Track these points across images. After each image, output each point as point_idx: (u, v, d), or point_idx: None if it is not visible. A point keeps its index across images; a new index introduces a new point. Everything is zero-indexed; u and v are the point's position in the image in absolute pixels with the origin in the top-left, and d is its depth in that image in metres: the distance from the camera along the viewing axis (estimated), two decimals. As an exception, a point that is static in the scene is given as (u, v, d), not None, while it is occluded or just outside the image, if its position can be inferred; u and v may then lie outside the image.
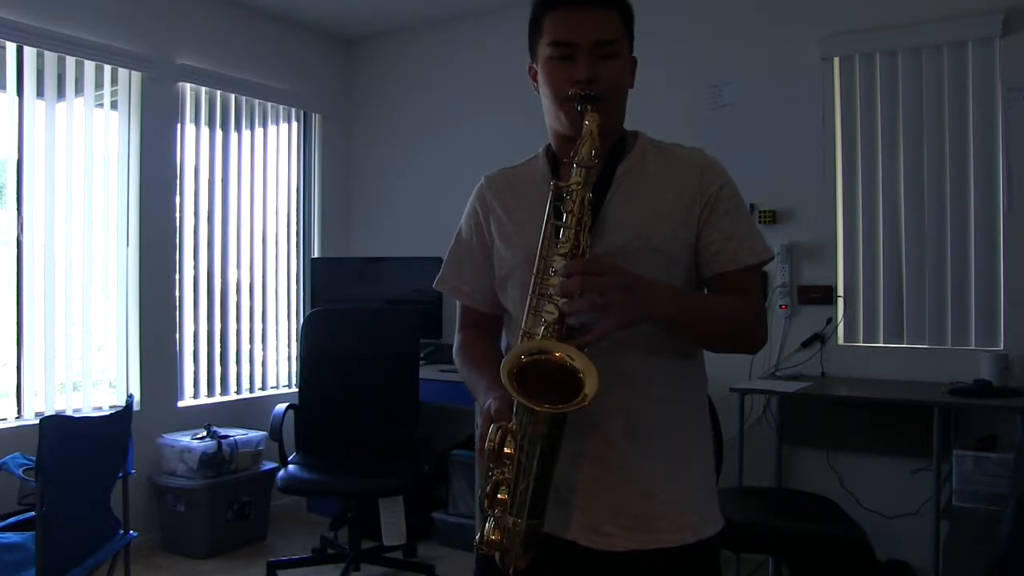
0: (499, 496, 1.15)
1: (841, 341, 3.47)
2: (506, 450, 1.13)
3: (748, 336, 1.31)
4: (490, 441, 1.13)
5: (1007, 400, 2.85)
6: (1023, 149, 3.13)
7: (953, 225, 3.27)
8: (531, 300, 1.20)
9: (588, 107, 1.23)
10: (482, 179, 1.47)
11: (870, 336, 3.43)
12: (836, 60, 3.47)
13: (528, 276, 1.23)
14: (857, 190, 3.46)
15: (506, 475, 1.15)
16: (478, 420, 3.96)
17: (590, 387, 1.08)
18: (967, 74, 3.22)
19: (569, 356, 1.11)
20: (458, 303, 1.50)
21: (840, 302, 3.46)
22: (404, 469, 3.36)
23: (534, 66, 1.36)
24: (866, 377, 3.39)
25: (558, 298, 1.14)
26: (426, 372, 3.72)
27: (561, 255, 1.16)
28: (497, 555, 1.18)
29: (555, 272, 1.16)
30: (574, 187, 1.19)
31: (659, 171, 1.33)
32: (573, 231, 1.17)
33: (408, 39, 4.69)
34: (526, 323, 1.20)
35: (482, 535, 1.17)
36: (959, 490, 2.83)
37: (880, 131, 3.40)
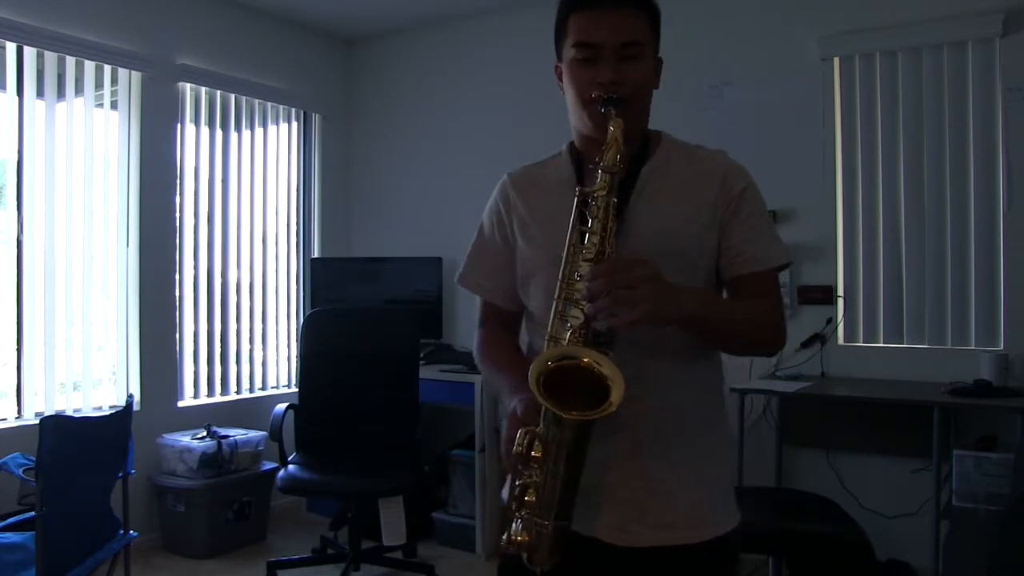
0: (527, 498, 1.16)
1: (841, 341, 3.47)
2: (534, 453, 1.14)
3: (767, 339, 1.32)
4: (518, 445, 1.13)
5: (1007, 400, 2.85)
6: (1023, 149, 3.13)
7: (953, 225, 3.27)
8: (557, 304, 1.21)
9: (612, 111, 1.23)
10: (504, 176, 1.47)
11: (870, 336, 3.44)
12: (836, 60, 3.47)
13: (552, 278, 1.24)
14: (857, 190, 3.46)
15: (534, 478, 1.15)
16: (478, 421, 3.95)
17: (616, 395, 1.09)
18: (967, 74, 3.22)
19: (597, 363, 1.12)
20: (478, 299, 1.50)
21: (840, 302, 3.46)
22: (404, 469, 3.36)
23: (559, 66, 1.36)
24: (866, 377, 3.39)
25: (584, 302, 1.14)
26: (426, 372, 3.72)
27: (587, 261, 1.17)
28: (524, 555, 1.18)
29: (580, 277, 1.17)
30: (599, 193, 1.20)
31: (683, 173, 1.33)
32: (599, 236, 1.18)
33: (408, 39, 4.69)
34: (552, 327, 1.20)
35: (509, 535, 1.18)
36: (959, 490, 2.83)
37: (880, 131, 3.40)
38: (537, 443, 1.14)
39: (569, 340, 1.16)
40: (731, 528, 1.34)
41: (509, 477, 1.31)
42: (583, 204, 1.22)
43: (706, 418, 1.34)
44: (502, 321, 1.47)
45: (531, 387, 1.10)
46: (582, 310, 1.15)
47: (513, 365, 1.35)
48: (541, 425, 1.15)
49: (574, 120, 1.36)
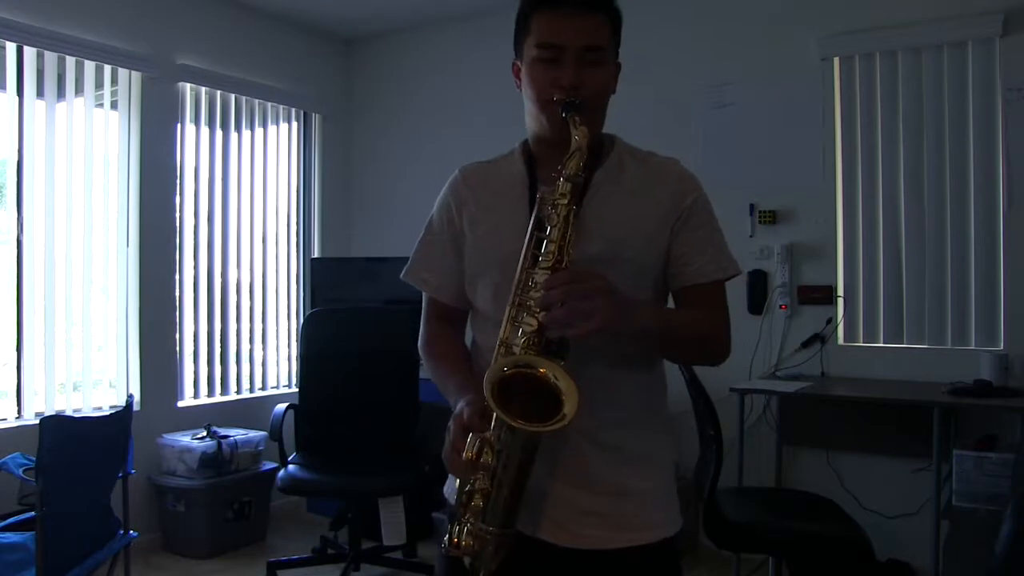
0: (473, 504, 1.16)
1: (841, 341, 3.47)
2: (482, 459, 1.14)
3: (713, 350, 1.33)
4: (468, 451, 1.14)
5: (1007, 400, 2.85)
6: (1023, 149, 3.13)
7: (953, 225, 3.27)
8: (510, 311, 1.20)
9: (576, 118, 1.22)
10: (456, 171, 1.46)
11: (870, 336, 3.43)
12: (836, 60, 3.47)
13: (500, 278, 1.24)
14: (857, 190, 3.46)
15: (481, 484, 1.15)
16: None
17: (570, 408, 1.09)
18: (967, 74, 3.22)
19: (554, 376, 1.12)
20: (424, 294, 1.48)
21: (840, 302, 3.46)
22: (404, 469, 3.36)
23: (518, 63, 1.35)
24: (866, 377, 3.39)
25: (538, 310, 1.14)
26: (426, 372, 3.72)
27: (543, 269, 1.17)
28: (467, 560, 1.18)
29: (536, 284, 1.16)
30: (559, 201, 1.19)
31: (635, 180, 1.33)
32: (556, 245, 1.17)
33: (408, 39, 4.69)
34: (504, 333, 1.20)
35: (450, 538, 1.18)
36: (959, 490, 2.83)
37: (880, 131, 3.40)
38: (487, 449, 1.14)
39: (522, 347, 1.16)
40: (674, 532, 1.34)
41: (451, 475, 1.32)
42: (542, 210, 1.21)
43: (650, 424, 1.35)
44: (446, 317, 1.46)
45: (487, 396, 1.10)
46: (536, 317, 1.15)
47: (457, 363, 1.37)
48: (492, 431, 1.14)
49: (529, 120, 1.35)
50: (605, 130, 1.38)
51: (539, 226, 1.21)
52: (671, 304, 1.38)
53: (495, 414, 1.12)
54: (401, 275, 1.48)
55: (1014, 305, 3.15)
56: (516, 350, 1.17)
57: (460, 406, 1.21)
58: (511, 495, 1.15)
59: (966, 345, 3.24)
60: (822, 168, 3.50)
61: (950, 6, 3.23)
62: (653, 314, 1.26)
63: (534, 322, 1.15)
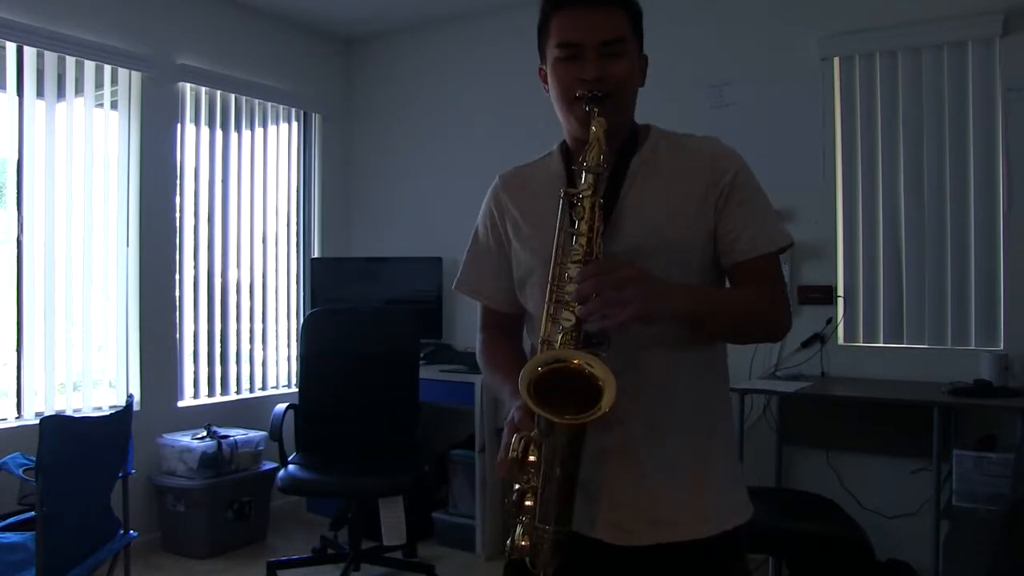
0: (526, 503, 1.16)
1: (841, 341, 3.47)
2: (530, 458, 1.14)
3: (768, 326, 1.31)
4: (513, 451, 1.14)
5: (1007, 400, 2.85)
6: (1023, 149, 3.13)
7: (953, 225, 3.27)
8: (548, 307, 1.20)
9: (595, 109, 1.23)
10: (496, 178, 1.47)
11: (870, 336, 3.43)
12: (836, 60, 3.47)
13: (546, 278, 1.23)
14: (857, 190, 3.46)
15: (532, 483, 1.15)
16: (478, 421, 3.93)
17: (608, 398, 1.08)
18: (967, 74, 3.22)
19: (588, 364, 1.12)
20: (479, 304, 1.50)
21: (840, 302, 3.46)
22: (404, 469, 3.36)
23: (543, 68, 1.36)
24: (866, 377, 3.39)
25: (575, 304, 1.14)
26: (426, 372, 3.72)
27: (575, 263, 1.17)
28: (527, 559, 1.18)
29: (570, 279, 1.17)
30: (584, 194, 1.20)
31: (672, 164, 1.33)
32: (586, 238, 1.18)
33: (408, 39, 4.69)
34: (544, 331, 1.20)
35: (512, 541, 1.18)
36: (959, 490, 2.83)
37: (880, 131, 3.40)
38: (532, 448, 1.14)
39: (561, 342, 1.16)
40: (739, 523, 1.31)
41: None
42: (570, 205, 1.22)
43: (706, 409, 1.32)
44: (501, 325, 1.47)
45: (521, 393, 1.10)
46: (573, 312, 1.15)
47: (512, 369, 1.34)
48: (536, 430, 1.14)
49: (562, 120, 1.36)
50: None
51: (569, 222, 1.22)
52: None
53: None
54: (452, 287, 1.51)
55: (1014, 305, 3.15)
56: (557, 346, 1.17)
57: (512, 410, 1.22)
58: (560, 492, 1.14)
59: (966, 345, 3.23)
60: (822, 168, 3.50)
61: (950, 6, 3.23)
62: (691, 295, 1.23)
63: (572, 316, 1.16)
